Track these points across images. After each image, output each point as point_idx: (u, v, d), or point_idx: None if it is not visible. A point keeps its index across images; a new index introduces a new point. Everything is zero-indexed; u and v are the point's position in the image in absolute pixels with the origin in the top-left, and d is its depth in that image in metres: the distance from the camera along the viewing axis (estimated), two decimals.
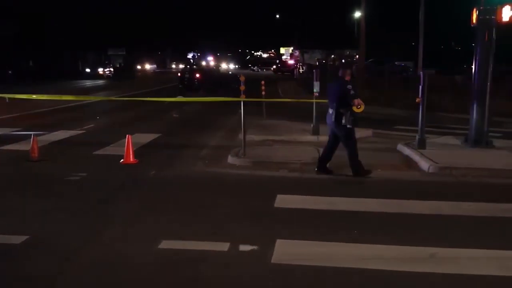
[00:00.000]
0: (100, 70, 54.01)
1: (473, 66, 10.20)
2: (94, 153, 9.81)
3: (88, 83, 42.44)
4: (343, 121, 7.77)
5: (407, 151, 9.76)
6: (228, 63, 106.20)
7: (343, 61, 48.78)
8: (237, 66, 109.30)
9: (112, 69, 53.31)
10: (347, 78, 8.03)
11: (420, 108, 9.56)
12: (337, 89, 7.93)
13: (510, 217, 5.88)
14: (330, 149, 8.20)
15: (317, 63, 55.38)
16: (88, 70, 59.15)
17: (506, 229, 5.48)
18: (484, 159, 8.90)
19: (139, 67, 69.97)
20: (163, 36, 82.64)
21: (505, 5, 9.50)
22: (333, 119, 7.88)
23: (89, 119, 15.29)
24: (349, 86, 7.83)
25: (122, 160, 8.83)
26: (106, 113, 16.90)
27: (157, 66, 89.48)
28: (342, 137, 7.96)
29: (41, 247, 4.84)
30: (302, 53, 67.54)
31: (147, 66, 79.37)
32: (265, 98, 14.90)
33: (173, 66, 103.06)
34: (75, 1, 54.13)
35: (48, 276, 4.20)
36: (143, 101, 16.39)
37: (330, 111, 7.95)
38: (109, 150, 10.04)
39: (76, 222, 5.61)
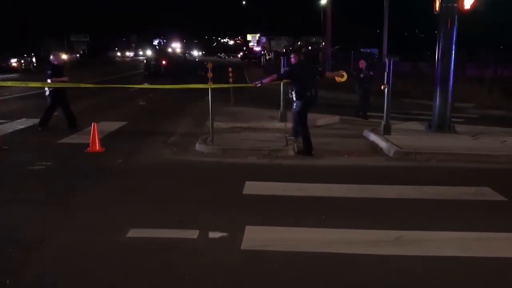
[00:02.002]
0: (13, 61, 37.92)
1: (436, 53, 10.41)
2: (59, 141, 9.60)
3: None
4: None
5: (373, 136, 9.92)
6: (191, 50, 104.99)
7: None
8: (200, 54, 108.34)
9: (34, 60, 41.39)
10: None
11: (386, 95, 9.72)
12: (317, 72, 9.00)
13: (472, 200, 6.06)
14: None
15: (284, 50, 55.47)
16: None
17: (468, 211, 5.65)
18: (447, 144, 9.12)
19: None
20: (128, 22, 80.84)
21: None
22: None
23: None
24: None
25: (88, 148, 8.68)
26: (72, 101, 16.46)
27: (81, 55, 68.23)
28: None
29: (3, 239, 4.72)
30: (269, 40, 67.51)
31: (64, 56, 53.63)
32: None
33: (140, 53, 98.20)
34: None
35: (11, 269, 4.09)
36: (110, 88, 16.10)
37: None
38: (74, 139, 9.84)
39: (40, 212, 5.49)
